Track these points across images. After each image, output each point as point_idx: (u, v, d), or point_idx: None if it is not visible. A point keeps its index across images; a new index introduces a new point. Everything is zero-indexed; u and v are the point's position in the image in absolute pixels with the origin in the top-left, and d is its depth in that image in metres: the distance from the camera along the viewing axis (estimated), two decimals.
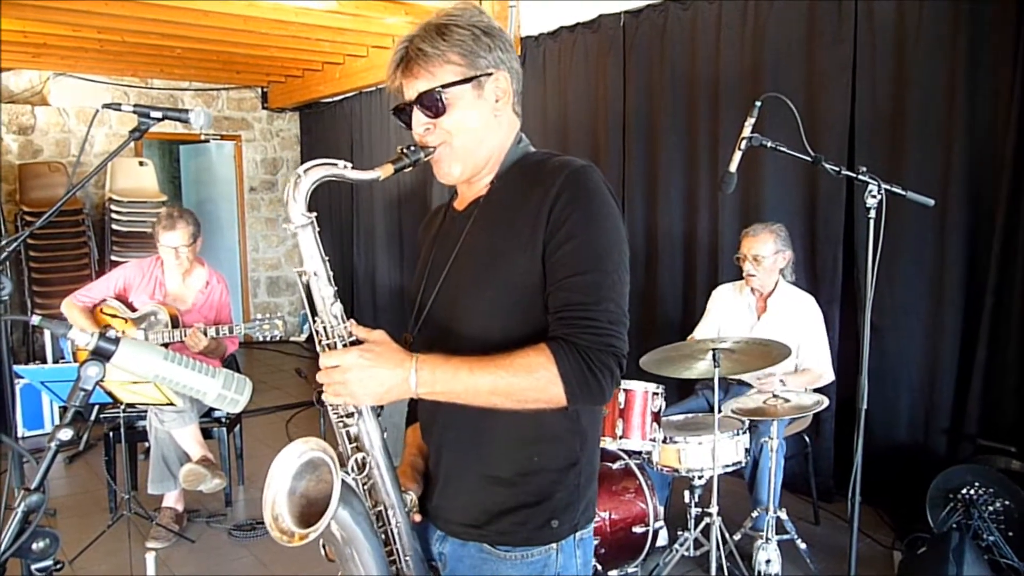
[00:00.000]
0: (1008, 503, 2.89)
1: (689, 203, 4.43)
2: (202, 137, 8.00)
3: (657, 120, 4.52)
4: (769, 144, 2.42)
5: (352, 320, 1.24)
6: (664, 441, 2.90)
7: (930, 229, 3.41)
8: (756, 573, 3.01)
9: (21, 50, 5.99)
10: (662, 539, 2.97)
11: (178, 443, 3.51)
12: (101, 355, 1.09)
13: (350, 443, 1.26)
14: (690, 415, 3.32)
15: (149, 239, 3.78)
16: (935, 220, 3.35)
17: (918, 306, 3.50)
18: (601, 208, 1.23)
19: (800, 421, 3.41)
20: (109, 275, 3.78)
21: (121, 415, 3.31)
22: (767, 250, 3.30)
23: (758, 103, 2.46)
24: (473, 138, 1.30)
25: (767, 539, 2.97)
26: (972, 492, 2.96)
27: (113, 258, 6.37)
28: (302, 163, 1.20)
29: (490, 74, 1.29)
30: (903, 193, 2.36)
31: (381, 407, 1.26)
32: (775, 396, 2.90)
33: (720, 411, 2.82)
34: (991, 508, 2.92)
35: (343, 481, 1.14)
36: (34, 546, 1.07)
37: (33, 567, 1.09)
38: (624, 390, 2.86)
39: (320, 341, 1.22)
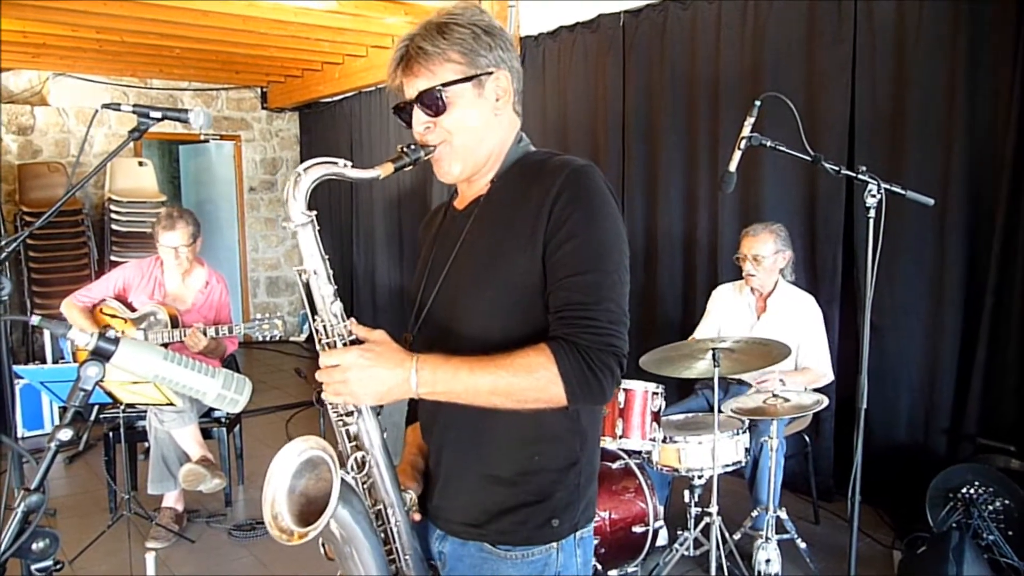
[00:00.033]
0: (1008, 502, 2.89)
1: (689, 203, 4.43)
2: (201, 137, 8.00)
3: (657, 120, 4.52)
4: (769, 144, 2.42)
5: (352, 319, 1.24)
6: (664, 441, 2.90)
7: (930, 229, 3.41)
8: (756, 573, 3.01)
9: (20, 50, 5.99)
10: (662, 539, 2.97)
11: (178, 443, 3.51)
12: (101, 355, 1.09)
13: (349, 442, 1.26)
14: (690, 415, 3.32)
15: (149, 239, 3.78)
16: (935, 220, 3.35)
17: (918, 306, 3.50)
18: (602, 208, 1.23)
19: (800, 420, 3.41)
20: (108, 275, 3.78)
21: (121, 415, 3.31)
22: (767, 250, 3.30)
23: (758, 103, 2.46)
24: (473, 137, 1.30)
25: (767, 539, 2.97)
26: (972, 491, 2.96)
27: (113, 258, 6.37)
28: (302, 163, 1.20)
29: (490, 73, 1.29)
30: (903, 193, 2.36)
31: (380, 406, 1.25)
32: (775, 396, 2.90)
33: (720, 411, 2.82)
34: (991, 507, 2.92)
35: (342, 480, 1.14)
36: (34, 546, 1.06)
37: (33, 567, 1.09)
38: (624, 390, 2.86)
39: (320, 340, 1.22)
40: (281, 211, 8.47)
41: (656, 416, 2.88)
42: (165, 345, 3.38)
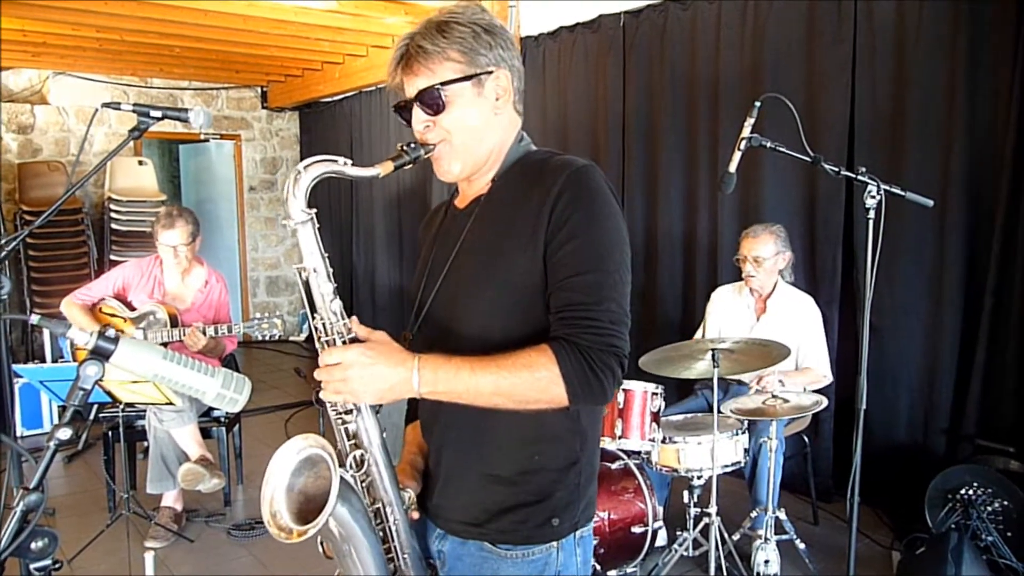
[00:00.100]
0: (1007, 503, 2.89)
1: (689, 203, 4.43)
2: (201, 136, 8.00)
3: (657, 120, 4.53)
4: (768, 144, 2.42)
5: (354, 317, 1.24)
6: (663, 441, 2.90)
7: (929, 229, 3.41)
8: (755, 573, 3.01)
9: (21, 49, 5.99)
10: (661, 539, 2.97)
11: (177, 442, 3.51)
12: (100, 354, 1.09)
13: (349, 440, 1.26)
14: (689, 415, 3.32)
15: (148, 238, 3.78)
16: (934, 220, 3.36)
17: (917, 306, 3.50)
18: (603, 208, 1.23)
19: (799, 421, 3.41)
20: (108, 274, 3.78)
21: (120, 414, 3.31)
22: (767, 251, 3.30)
23: (758, 103, 2.46)
24: (473, 136, 1.30)
25: (766, 539, 2.97)
26: (971, 492, 2.96)
27: (112, 257, 6.37)
28: (301, 162, 1.20)
29: (490, 72, 1.29)
30: (902, 194, 2.36)
31: (379, 406, 1.25)
32: (774, 396, 2.90)
33: (719, 411, 2.82)
34: (990, 508, 2.92)
35: (341, 478, 1.14)
36: (33, 545, 1.06)
37: (32, 566, 1.09)
38: (623, 390, 2.86)
39: (319, 338, 1.22)
40: (281, 210, 8.42)
41: (655, 416, 2.88)
42: (164, 344, 3.37)
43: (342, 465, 1.20)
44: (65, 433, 1.07)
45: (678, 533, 3.03)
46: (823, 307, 3.45)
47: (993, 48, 3.19)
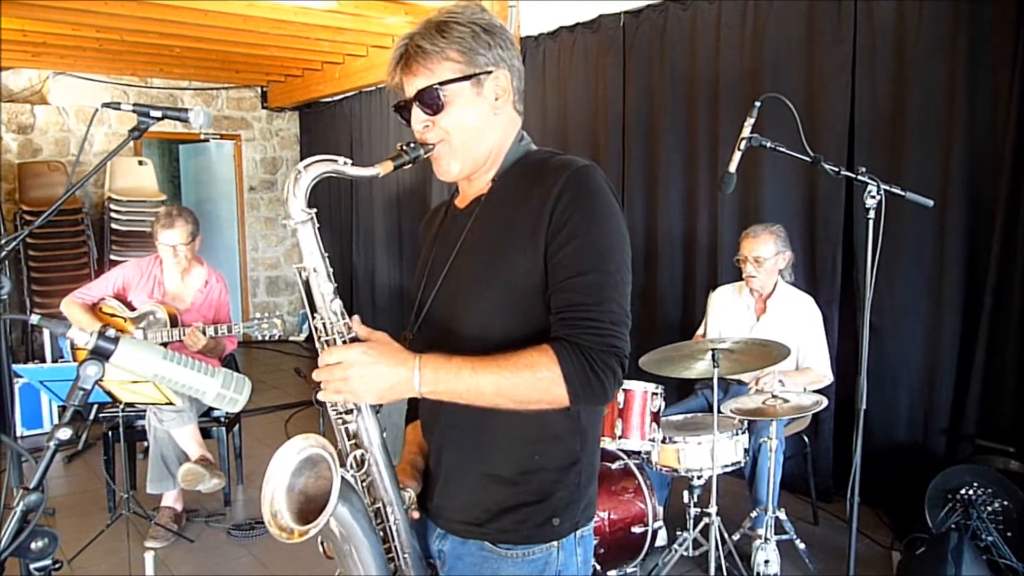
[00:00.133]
0: (1007, 503, 2.89)
1: (689, 203, 4.43)
2: (201, 136, 8.00)
3: (657, 120, 4.53)
4: (768, 144, 2.42)
5: (356, 316, 1.24)
6: (663, 441, 2.90)
7: (929, 229, 3.41)
8: (755, 573, 3.01)
9: (21, 49, 5.99)
10: (661, 539, 2.97)
11: (177, 442, 3.51)
12: (100, 354, 1.09)
13: (349, 440, 1.26)
14: (689, 415, 3.32)
15: (148, 238, 3.78)
16: (934, 220, 3.36)
17: (917, 306, 3.50)
18: (603, 208, 1.23)
19: (799, 421, 3.41)
20: (108, 274, 3.78)
21: (120, 414, 3.31)
22: (768, 251, 3.30)
23: (757, 103, 2.46)
24: (472, 135, 1.30)
25: (766, 539, 2.97)
26: (971, 492, 2.96)
27: (112, 257, 6.37)
28: (301, 162, 1.20)
29: (489, 72, 1.29)
30: (902, 194, 2.36)
31: (379, 405, 1.25)
32: (774, 396, 2.90)
33: (719, 411, 2.82)
34: (990, 508, 2.92)
35: (342, 478, 1.14)
36: (33, 545, 1.06)
37: (32, 566, 1.09)
38: (623, 390, 2.86)
39: (319, 337, 1.22)
40: (281, 210, 8.46)
41: (655, 416, 2.88)
42: (164, 344, 3.37)
43: (342, 465, 1.20)
44: (65, 433, 1.07)
45: (678, 533, 3.03)
46: (823, 307, 3.45)
47: (993, 48, 3.19)
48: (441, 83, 1.25)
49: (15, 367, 2.99)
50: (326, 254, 1.22)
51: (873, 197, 2.32)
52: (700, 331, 3.59)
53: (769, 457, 2.93)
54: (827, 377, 3.32)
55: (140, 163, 7.04)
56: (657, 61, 4.48)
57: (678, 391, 3.85)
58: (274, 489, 1.19)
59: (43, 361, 5.49)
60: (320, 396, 1.19)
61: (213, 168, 8.52)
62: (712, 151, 4.23)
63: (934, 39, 3.35)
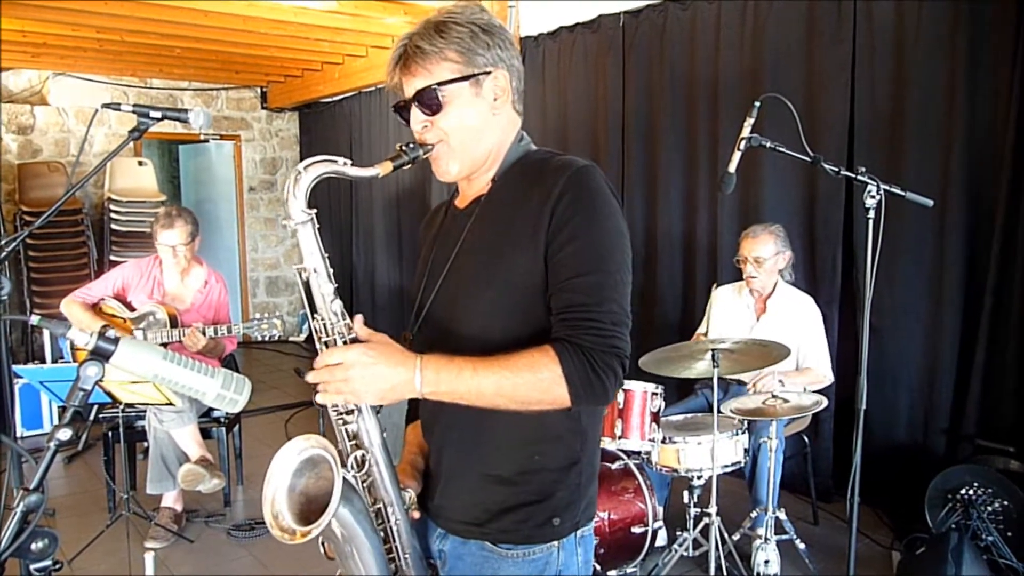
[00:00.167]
0: (1007, 503, 2.89)
1: (688, 203, 4.43)
2: (201, 137, 8.00)
3: (656, 120, 4.53)
4: (768, 144, 2.42)
5: (359, 316, 1.23)
6: (663, 441, 2.90)
7: (929, 229, 3.41)
8: (755, 573, 3.01)
9: (20, 50, 5.99)
10: (661, 539, 2.97)
11: (177, 443, 3.51)
12: (100, 355, 1.09)
13: (349, 440, 1.26)
14: (689, 415, 3.32)
15: (148, 239, 3.78)
16: (934, 220, 3.36)
17: (917, 306, 3.50)
18: (603, 209, 1.23)
19: (799, 421, 3.41)
20: (107, 275, 3.78)
21: (120, 415, 3.31)
22: (767, 251, 3.30)
23: (757, 103, 2.46)
24: (471, 136, 1.30)
25: (766, 539, 2.97)
26: (971, 492, 2.96)
27: (112, 258, 6.37)
28: (301, 162, 1.20)
29: (488, 72, 1.29)
30: (902, 194, 2.36)
31: (380, 406, 1.25)
32: (774, 396, 2.90)
33: (719, 411, 2.82)
34: (990, 508, 2.92)
35: (343, 479, 1.14)
36: (33, 546, 1.06)
37: (32, 567, 1.09)
38: (623, 390, 2.86)
39: (319, 338, 1.22)
40: (281, 211, 8.45)
41: (655, 416, 2.88)
42: (164, 345, 3.37)
43: (343, 465, 1.20)
44: (65, 434, 1.07)
45: (678, 533, 3.03)
46: (823, 307, 3.45)
47: (993, 48, 3.19)
48: (440, 83, 1.25)
49: (15, 368, 2.99)
50: (326, 255, 1.22)
51: (873, 197, 2.32)
52: (702, 328, 3.59)
53: (769, 457, 2.93)
54: (827, 378, 3.32)
55: (140, 163, 7.04)
56: (657, 61, 4.48)
57: (678, 391, 3.85)
58: (275, 490, 1.18)
59: (43, 362, 5.49)
60: (320, 398, 1.18)
61: (213, 168, 8.52)
62: (712, 151, 4.23)
63: (934, 39, 3.35)
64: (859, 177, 2.35)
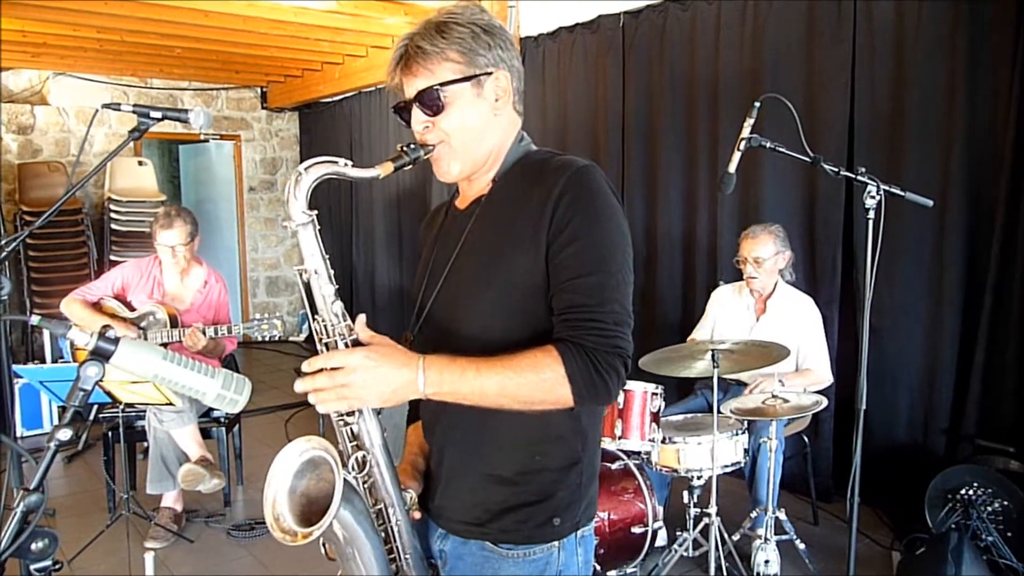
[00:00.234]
0: (1007, 503, 2.89)
1: (688, 203, 4.43)
2: (201, 137, 8.00)
3: (656, 120, 4.53)
4: (768, 145, 2.42)
5: (360, 317, 1.23)
6: (663, 441, 2.90)
7: (929, 229, 3.41)
8: (755, 573, 3.01)
9: (20, 50, 5.98)
10: (661, 539, 2.97)
11: (177, 443, 3.51)
12: (100, 355, 1.09)
13: (350, 441, 1.26)
14: (689, 415, 3.32)
15: (148, 239, 3.78)
16: (934, 220, 3.36)
17: (917, 307, 3.50)
18: (604, 209, 1.23)
19: (799, 421, 3.41)
20: (107, 275, 3.78)
21: (120, 415, 3.31)
22: (767, 252, 3.30)
23: (757, 104, 2.46)
24: (472, 136, 1.30)
25: (766, 539, 2.97)
26: (971, 492, 2.96)
27: (112, 258, 6.36)
28: (301, 163, 1.20)
29: (490, 73, 1.29)
30: (902, 194, 2.36)
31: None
32: (774, 396, 2.90)
33: (719, 411, 2.82)
34: (990, 508, 2.92)
35: (344, 480, 1.14)
36: (33, 546, 1.06)
37: (32, 567, 1.09)
38: (623, 390, 2.86)
39: (320, 340, 1.22)
40: (281, 211, 8.47)
41: (655, 417, 2.88)
42: (164, 345, 3.38)
43: (344, 466, 1.20)
44: (65, 434, 1.07)
45: (678, 533, 3.03)
46: (823, 307, 3.45)
47: (993, 48, 3.19)
48: (442, 84, 1.25)
49: (15, 367, 2.99)
50: (327, 256, 1.22)
51: (873, 197, 2.32)
52: (694, 333, 3.58)
53: (769, 457, 2.93)
54: (827, 379, 3.31)
55: (140, 163, 7.04)
56: (657, 61, 4.48)
57: (678, 391, 3.85)
58: (276, 492, 1.18)
59: (43, 361, 5.49)
60: (321, 408, 1.16)
61: (213, 168, 8.52)
62: (712, 151, 4.23)
63: (934, 39, 3.35)
64: (859, 177, 2.35)
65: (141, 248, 6.20)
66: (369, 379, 1.15)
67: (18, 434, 4.54)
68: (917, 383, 3.54)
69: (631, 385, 2.87)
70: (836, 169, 2.39)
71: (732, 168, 2.47)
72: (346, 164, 1.20)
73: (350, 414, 1.24)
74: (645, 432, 2.86)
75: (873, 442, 3.54)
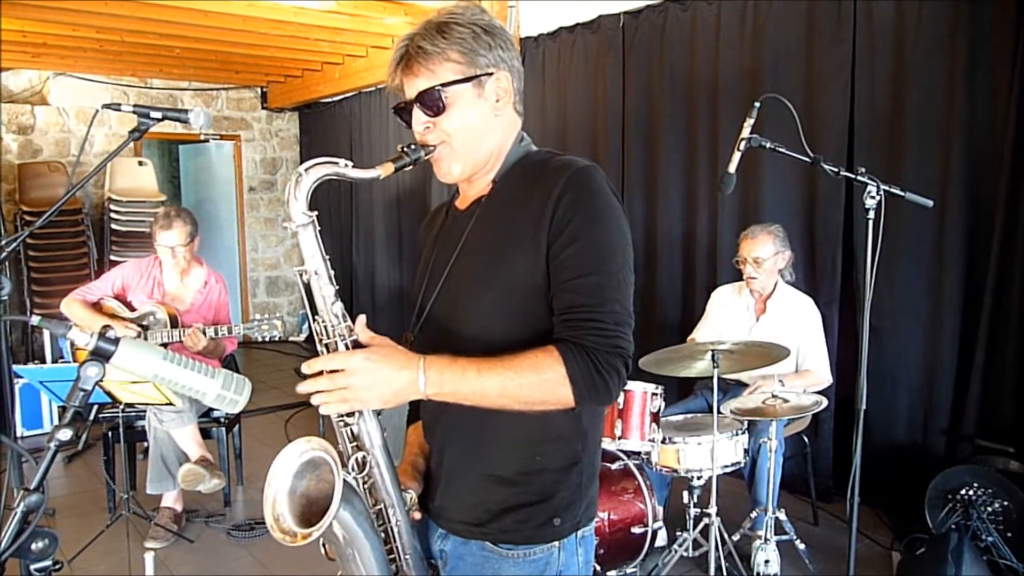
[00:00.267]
0: (1007, 504, 2.89)
1: (688, 204, 4.43)
2: (201, 137, 7.99)
3: (656, 120, 4.53)
4: (768, 145, 2.42)
5: (361, 317, 1.23)
6: (663, 441, 2.90)
7: (929, 230, 3.41)
8: (755, 574, 3.01)
9: (21, 50, 5.99)
10: (661, 539, 2.97)
11: (177, 443, 3.51)
12: (100, 355, 1.09)
13: (350, 442, 1.26)
14: (689, 415, 3.32)
15: (148, 239, 3.78)
16: (934, 221, 3.36)
17: (917, 307, 3.50)
18: (604, 209, 1.23)
19: (799, 421, 3.41)
20: (107, 275, 3.78)
21: (120, 415, 3.31)
22: (767, 252, 3.30)
23: (757, 104, 2.46)
24: (473, 137, 1.30)
25: (766, 539, 2.97)
26: (971, 493, 2.96)
27: (112, 258, 6.36)
28: (301, 163, 1.20)
29: (490, 73, 1.29)
30: (902, 194, 2.36)
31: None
32: (774, 396, 2.90)
33: (719, 411, 2.82)
34: (990, 509, 2.92)
35: (344, 481, 1.14)
36: (33, 546, 1.06)
37: (32, 567, 1.09)
38: (623, 390, 2.85)
39: (320, 340, 1.22)
40: (281, 211, 8.48)
41: (655, 417, 2.88)
42: (164, 345, 3.38)
43: (344, 467, 1.20)
44: (65, 434, 1.07)
45: (678, 533, 3.03)
46: (823, 307, 3.45)
47: (993, 48, 3.19)
48: (443, 84, 1.25)
49: (15, 368, 2.99)
50: (327, 256, 1.22)
51: (873, 197, 2.32)
52: (694, 333, 3.58)
53: (769, 457, 2.93)
54: (827, 379, 3.31)
55: (140, 164, 7.04)
56: (657, 61, 4.48)
57: (678, 391, 3.85)
58: (276, 492, 1.18)
59: (43, 362, 5.49)
60: (323, 409, 1.17)
61: (213, 168, 8.52)
62: (712, 151, 4.23)
63: (933, 39, 3.35)
64: (859, 177, 2.35)
65: (141, 248, 6.20)
66: (370, 381, 1.15)
67: (18, 434, 4.54)
68: (917, 383, 3.54)
69: (631, 385, 2.87)
70: (836, 169, 2.39)
71: (732, 168, 2.47)
72: (346, 165, 1.20)
73: (350, 415, 1.24)
74: (645, 432, 2.86)
75: (873, 442, 3.54)
